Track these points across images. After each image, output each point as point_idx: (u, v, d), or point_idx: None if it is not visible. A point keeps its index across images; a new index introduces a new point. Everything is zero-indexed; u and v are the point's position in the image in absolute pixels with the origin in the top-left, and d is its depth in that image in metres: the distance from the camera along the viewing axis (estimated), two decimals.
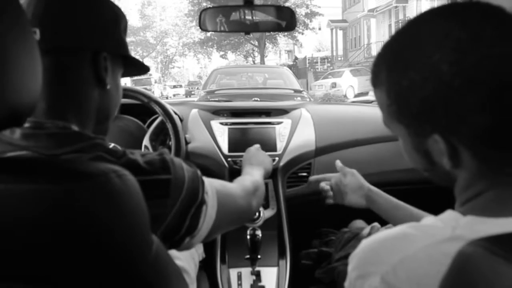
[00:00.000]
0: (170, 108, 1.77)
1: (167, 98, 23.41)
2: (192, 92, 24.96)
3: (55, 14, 0.79)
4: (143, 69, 1.01)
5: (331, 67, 26.89)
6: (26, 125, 0.75)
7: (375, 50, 25.82)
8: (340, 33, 30.52)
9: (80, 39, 0.81)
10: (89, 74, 0.83)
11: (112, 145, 1.73)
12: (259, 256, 1.54)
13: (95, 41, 0.83)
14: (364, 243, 0.63)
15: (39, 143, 0.75)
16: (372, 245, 0.62)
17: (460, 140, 0.59)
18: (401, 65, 0.62)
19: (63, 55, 0.80)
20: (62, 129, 0.77)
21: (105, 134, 0.90)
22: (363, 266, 0.60)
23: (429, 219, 0.61)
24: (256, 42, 27.62)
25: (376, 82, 0.67)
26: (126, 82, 24.87)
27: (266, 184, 1.89)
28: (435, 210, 0.76)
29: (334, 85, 19.44)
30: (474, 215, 0.57)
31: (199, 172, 0.91)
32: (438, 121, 0.59)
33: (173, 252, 0.88)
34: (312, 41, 36.49)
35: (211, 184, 0.94)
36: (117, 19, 0.88)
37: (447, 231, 0.56)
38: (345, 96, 18.43)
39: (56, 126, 0.77)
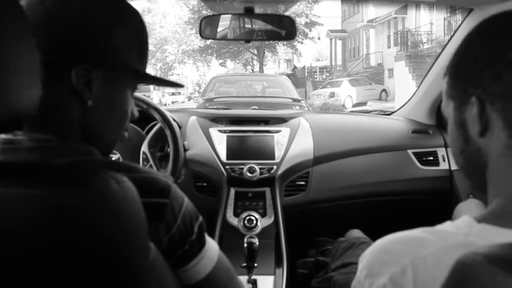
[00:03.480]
0: (169, 115, 1.77)
1: (165, 105, 23.37)
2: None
3: (32, 16, 0.69)
4: (164, 83, 0.90)
5: (330, 77, 26.91)
6: (2, 138, 0.69)
7: (374, 60, 25.93)
8: (339, 43, 30.61)
9: (51, 49, 0.70)
10: (65, 88, 0.72)
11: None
12: (255, 265, 1.54)
13: (68, 52, 0.72)
14: (376, 244, 0.64)
15: (20, 158, 0.68)
16: (384, 246, 0.62)
17: (492, 103, 0.61)
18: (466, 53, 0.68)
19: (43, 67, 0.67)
20: (43, 142, 0.70)
21: (104, 155, 0.81)
22: (374, 265, 0.61)
23: (444, 224, 0.62)
24: (255, 51, 27.69)
25: (445, 72, 0.73)
26: None
27: (264, 192, 1.89)
28: (431, 220, 0.76)
29: (332, 95, 19.48)
30: (488, 224, 0.57)
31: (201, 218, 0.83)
32: (479, 80, 0.62)
33: None
34: (311, 51, 36.53)
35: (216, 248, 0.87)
36: (111, 25, 0.76)
37: (460, 238, 0.57)
38: (343, 105, 18.47)
39: (34, 139, 0.70)
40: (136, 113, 0.87)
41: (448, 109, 0.71)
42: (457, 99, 0.68)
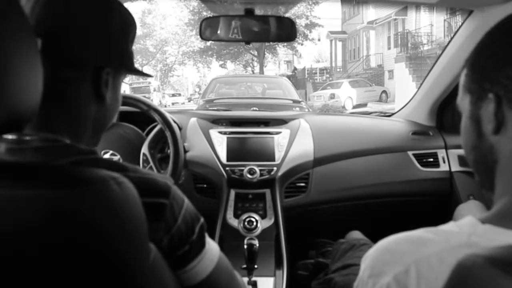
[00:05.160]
0: (169, 116, 1.77)
1: (165, 106, 23.41)
2: None
3: (59, 24, 0.74)
4: (144, 74, 0.98)
5: (330, 78, 26.92)
6: (11, 138, 0.71)
7: (374, 61, 25.95)
8: (339, 44, 30.63)
9: (84, 54, 0.76)
10: (89, 89, 0.77)
11: (109, 152, 1.73)
12: (256, 266, 1.54)
13: (99, 56, 0.78)
14: (379, 244, 0.64)
15: (26, 158, 0.70)
16: (387, 246, 0.62)
17: (509, 101, 0.60)
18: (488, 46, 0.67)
19: (62, 68, 0.74)
20: (50, 142, 0.72)
21: (96, 145, 0.86)
22: (377, 265, 0.61)
23: (447, 224, 0.62)
24: (256, 52, 27.72)
25: (464, 64, 0.72)
26: (125, 89, 24.87)
27: (264, 194, 1.89)
28: (431, 222, 0.76)
29: (332, 96, 19.50)
30: (492, 224, 0.57)
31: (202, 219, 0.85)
32: (498, 77, 0.61)
33: None
34: (311, 52, 36.60)
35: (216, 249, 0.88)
36: (126, 29, 0.83)
37: (463, 237, 0.57)
38: (343, 107, 18.50)
39: (43, 138, 0.72)
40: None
41: (464, 102, 0.70)
42: (474, 94, 0.67)
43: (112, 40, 0.80)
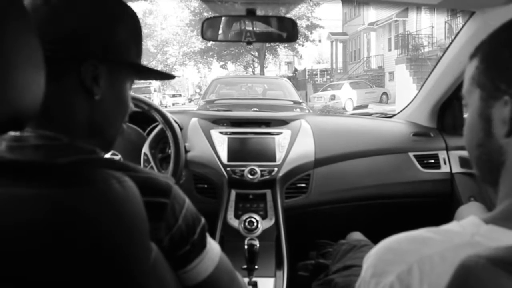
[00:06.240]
0: (170, 116, 1.77)
1: (166, 107, 23.37)
2: None
3: (36, 16, 0.72)
4: (158, 74, 0.91)
5: (331, 79, 26.93)
6: (10, 135, 0.71)
7: (374, 63, 25.93)
8: (340, 45, 30.62)
9: (61, 46, 0.73)
10: (74, 83, 0.74)
11: (110, 152, 1.73)
12: (256, 267, 1.53)
13: (78, 48, 0.74)
14: (382, 244, 0.64)
15: (25, 156, 0.69)
16: (390, 245, 0.62)
17: None
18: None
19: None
20: (49, 140, 0.72)
21: (106, 150, 0.84)
22: (380, 265, 0.61)
23: (449, 224, 0.62)
24: (256, 53, 27.70)
25: (474, 53, 0.69)
26: None
27: (265, 194, 1.89)
28: (432, 223, 0.76)
29: (333, 97, 19.51)
30: (495, 225, 0.57)
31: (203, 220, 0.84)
32: None
33: None
34: (312, 53, 36.55)
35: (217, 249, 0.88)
36: (112, 22, 0.78)
37: (466, 237, 0.57)
38: (344, 108, 18.49)
39: (41, 136, 0.71)
40: (133, 107, 0.90)
41: (472, 96, 0.68)
42: (486, 90, 0.64)
43: (94, 31, 0.76)
